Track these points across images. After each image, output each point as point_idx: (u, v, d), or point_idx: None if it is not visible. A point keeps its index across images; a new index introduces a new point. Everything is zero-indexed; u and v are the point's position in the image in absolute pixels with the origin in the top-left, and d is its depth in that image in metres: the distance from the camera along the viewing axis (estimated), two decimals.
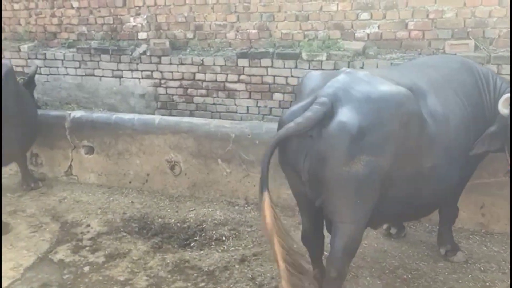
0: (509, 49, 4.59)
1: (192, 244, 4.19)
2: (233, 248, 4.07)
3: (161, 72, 5.89)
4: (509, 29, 4.58)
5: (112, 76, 6.14)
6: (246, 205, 4.86)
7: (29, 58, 6.45)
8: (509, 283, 3.51)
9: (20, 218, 4.67)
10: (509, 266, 3.67)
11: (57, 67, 6.44)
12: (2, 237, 4.24)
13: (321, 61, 5.10)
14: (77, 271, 3.81)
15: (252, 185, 4.81)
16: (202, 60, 5.63)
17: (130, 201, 5.06)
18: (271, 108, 5.46)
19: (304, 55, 5.15)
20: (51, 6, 6.47)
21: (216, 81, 5.65)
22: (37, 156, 5.65)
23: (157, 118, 5.13)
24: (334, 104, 2.73)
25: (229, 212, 4.74)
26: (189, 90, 5.82)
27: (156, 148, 5.07)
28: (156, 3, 5.93)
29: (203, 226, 4.49)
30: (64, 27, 6.50)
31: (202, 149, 4.92)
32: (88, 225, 4.54)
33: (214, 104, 5.74)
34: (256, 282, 3.56)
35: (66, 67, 6.39)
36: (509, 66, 4.31)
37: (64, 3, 6.39)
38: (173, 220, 4.65)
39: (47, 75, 6.47)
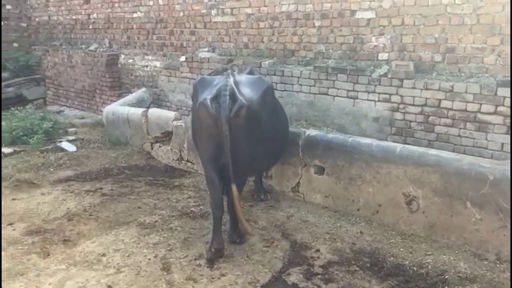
0: None
1: None
2: None
3: (401, 96, 5.50)
4: None
5: (346, 97, 5.99)
6: (497, 262, 4.10)
7: (268, 74, 6.74)
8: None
9: (252, 229, 4.79)
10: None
11: (292, 84, 6.60)
12: (240, 246, 4.40)
13: None
14: None
15: (508, 238, 4.03)
16: (452, 86, 5.05)
17: (358, 231, 4.76)
18: None
19: None
20: (293, 25, 6.67)
21: (465, 110, 5.01)
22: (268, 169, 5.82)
23: (398, 146, 4.74)
24: None
25: (476, 267, 4.05)
26: (430, 118, 5.30)
27: (394, 179, 4.67)
28: (403, 22, 5.57)
29: (445, 277, 3.91)
30: (303, 45, 6.64)
31: (448, 188, 4.33)
32: (318, 250, 4.39)
33: (459, 136, 5.11)
34: None
35: (300, 85, 6.51)
36: None
37: (307, 22, 6.52)
38: (407, 262, 4.18)
39: (282, 91, 6.69)
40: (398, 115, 5.56)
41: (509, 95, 4.67)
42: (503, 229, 4.07)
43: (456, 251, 4.30)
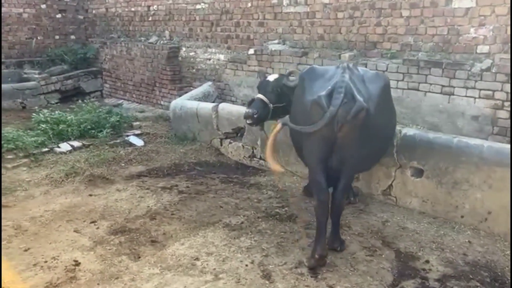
0: None
1: None
2: None
3: (506, 92, 5.01)
4: None
5: (440, 93, 5.54)
6: None
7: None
8: None
9: (348, 235, 4.45)
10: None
11: None
12: (341, 254, 4.07)
13: None
14: None
15: None
16: None
17: (466, 240, 4.35)
18: None
19: None
20: (377, 15, 6.24)
21: None
22: None
23: None
24: None
25: None
26: None
27: (509, 184, 4.22)
28: (510, 11, 5.06)
29: None
30: (387, 36, 6.21)
31: None
32: (427, 261, 4.00)
33: None
34: None
35: None
36: None
37: (393, 12, 6.08)
38: None
39: None
40: (503, 113, 5.07)
41: None
42: None
43: None
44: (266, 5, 7.74)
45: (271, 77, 5.13)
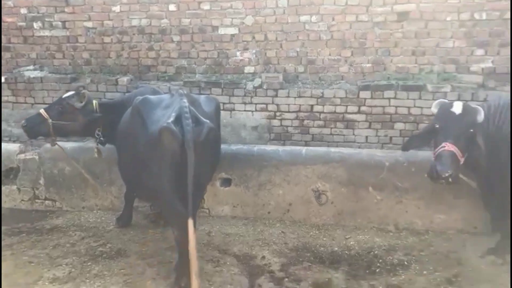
0: None
1: (378, 271, 4.33)
2: (426, 272, 4.25)
3: (277, 104, 6.04)
4: None
5: (223, 109, 6.15)
6: (397, 231, 5.07)
7: (128, 91, 6.32)
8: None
9: None
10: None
11: None
12: None
13: (446, 92, 5.53)
14: None
15: (404, 211, 5.06)
16: (322, 93, 5.87)
17: (280, 231, 5.10)
18: (391, 137, 5.77)
19: (429, 87, 5.56)
20: (148, 40, 6.43)
21: (335, 112, 5.90)
22: None
23: (303, 149, 5.28)
24: None
25: (388, 238, 4.93)
26: (305, 122, 6.00)
27: (303, 178, 5.19)
28: (266, 38, 6.12)
29: (375, 252, 4.65)
30: (161, 60, 6.48)
31: (352, 178, 5.11)
32: (264, 257, 4.55)
33: (331, 134, 5.96)
34: None
35: None
36: None
37: (164, 37, 6.39)
38: (337, 248, 4.76)
39: None
40: (276, 122, 6.08)
41: (369, 97, 5.75)
42: (399, 204, 5.08)
43: (366, 230, 5.12)
44: (11, 28, 6.84)
45: (66, 94, 5.17)
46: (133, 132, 4.12)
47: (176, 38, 6.40)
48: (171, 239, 4.73)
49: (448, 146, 3.85)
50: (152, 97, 4.21)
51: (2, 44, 6.91)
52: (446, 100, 4.43)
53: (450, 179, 3.81)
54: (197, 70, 6.41)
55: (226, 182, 5.40)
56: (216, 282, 4.09)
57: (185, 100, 3.87)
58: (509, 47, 5.44)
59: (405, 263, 4.43)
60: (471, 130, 3.93)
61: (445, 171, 3.79)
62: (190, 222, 3.66)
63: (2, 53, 6.93)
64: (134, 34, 6.50)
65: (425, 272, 4.25)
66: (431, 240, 4.85)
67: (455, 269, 4.25)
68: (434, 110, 4.26)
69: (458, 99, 5.37)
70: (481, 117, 3.97)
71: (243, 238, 4.96)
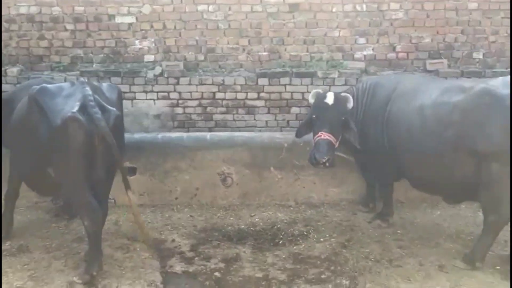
0: (469, 66, 6.19)
1: (281, 242, 4.69)
2: (323, 239, 4.70)
3: (179, 92, 6.14)
4: (469, 51, 6.20)
5: (124, 98, 6.09)
6: (297, 206, 5.49)
7: (18, 83, 6.00)
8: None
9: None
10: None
11: None
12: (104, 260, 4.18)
13: (334, 78, 6.05)
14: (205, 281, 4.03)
15: (302, 187, 5.49)
16: (223, 80, 6.09)
17: (188, 215, 5.26)
18: (288, 121, 6.18)
19: (319, 74, 6.04)
20: (39, 29, 6.15)
21: (236, 99, 6.15)
22: None
23: (207, 134, 5.47)
24: None
25: (288, 212, 5.33)
26: (208, 109, 6.18)
27: (208, 163, 5.38)
28: (165, 26, 6.18)
29: (278, 226, 5.01)
30: (54, 50, 6.23)
31: (255, 160, 5.41)
32: (173, 240, 4.68)
33: (233, 120, 6.21)
34: (372, 258, 4.28)
35: None
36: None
37: (56, 25, 6.16)
38: (243, 226, 5.05)
39: None
40: (179, 110, 6.17)
41: (267, 84, 6.09)
42: (297, 181, 5.50)
43: (269, 207, 5.49)
44: None
45: None
46: (30, 125, 3.96)
47: (70, 27, 6.20)
48: (77, 231, 4.71)
49: (324, 135, 4.46)
50: (50, 86, 4.08)
51: None
52: (320, 91, 4.97)
53: (327, 164, 4.45)
54: (95, 60, 6.27)
55: (131, 171, 5.40)
56: (127, 267, 4.14)
57: (87, 88, 3.83)
58: (387, 36, 6.11)
59: (305, 233, 4.85)
60: (343, 118, 4.56)
61: (322, 158, 4.42)
62: (130, 194, 4.06)
63: None
64: (23, 22, 6.17)
65: (322, 239, 4.70)
66: (326, 211, 5.35)
67: (348, 234, 4.76)
68: (311, 100, 4.80)
69: (345, 84, 5.96)
70: (350, 104, 4.65)
71: (152, 224, 5.04)
